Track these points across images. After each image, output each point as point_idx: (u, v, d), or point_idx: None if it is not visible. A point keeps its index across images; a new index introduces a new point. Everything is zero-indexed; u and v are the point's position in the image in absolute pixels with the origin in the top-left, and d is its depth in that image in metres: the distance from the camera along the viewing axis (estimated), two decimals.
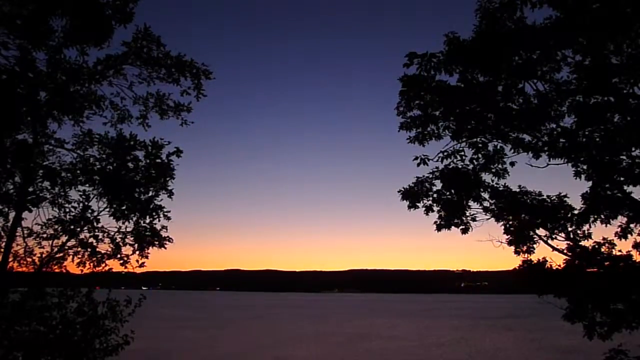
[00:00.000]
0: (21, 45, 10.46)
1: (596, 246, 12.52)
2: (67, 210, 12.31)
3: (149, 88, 12.48)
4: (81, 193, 12.20)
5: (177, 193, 12.44)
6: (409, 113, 12.58)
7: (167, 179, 12.25)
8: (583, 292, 12.29)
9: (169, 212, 12.45)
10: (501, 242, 13.45)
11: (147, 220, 12.41)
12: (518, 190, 13.21)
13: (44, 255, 12.22)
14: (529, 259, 13.30)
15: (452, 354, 51.92)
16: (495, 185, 13.16)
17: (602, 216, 12.38)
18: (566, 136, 11.61)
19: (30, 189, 11.55)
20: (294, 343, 60.43)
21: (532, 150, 12.06)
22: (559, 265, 12.85)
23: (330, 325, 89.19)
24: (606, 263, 12.30)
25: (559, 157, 11.63)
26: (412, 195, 13.38)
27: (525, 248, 13.32)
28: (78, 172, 12.02)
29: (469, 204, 13.32)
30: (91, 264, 12.43)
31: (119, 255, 12.50)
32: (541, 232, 13.08)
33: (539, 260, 13.19)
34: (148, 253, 12.64)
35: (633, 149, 11.15)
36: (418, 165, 12.60)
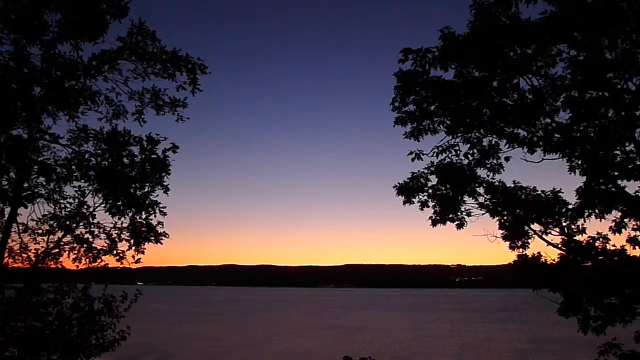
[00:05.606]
0: (15, 40, 10.42)
1: (590, 241, 12.57)
2: (63, 206, 12.30)
3: (145, 83, 12.46)
4: (76, 189, 12.20)
5: (173, 188, 12.43)
6: (404, 108, 12.58)
7: (163, 174, 12.23)
8: (577, 287, 12.35)
9: (165, 207, 12.46)
10: (496, 237, 13.47)
11: (143, 216, 12.40)
12: (513, 185, 13.25)
13: (39, 251, 12.20)
14: (523, 253, 13.33)
15: (445, 345, 52.41)
16: (490, 180, 13.19)
17: (597, 211, 12.42)
18: (561, 131, 11.65)
19: (26, 185, 11.53)
20: (293, 336, 60.71)
21: (527, 145, 12.08)
22: (554, 260, 12.89)
23: (327, 319, 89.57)
24: (600, 257, 12.35)
25: (554, 152, 11.65)
26: (408, 191, 13.38)
27: (520, 243, 13.36)
28: (73, 167, 11.98)
29: (464, 199, 13.34)
30: (87, 260, 12.41)
31: (114, 251, 12.48)
32: (536, 227, 13.12)
33: (533, 255, 13.23)
34: (144, 249, 12.64)
35: (627, 144, 11.19)
36: (413, 160, 12.60)
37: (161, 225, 12.64)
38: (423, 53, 11.30)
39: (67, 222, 12.21)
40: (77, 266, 12.44)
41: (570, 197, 12.71)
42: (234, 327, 74.11)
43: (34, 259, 12.15)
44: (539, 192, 13.03)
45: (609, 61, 10.78)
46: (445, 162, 12.93)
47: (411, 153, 12.58)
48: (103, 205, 12.15)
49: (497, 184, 13.24)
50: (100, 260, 12.50)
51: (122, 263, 12.60)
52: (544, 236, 12.98)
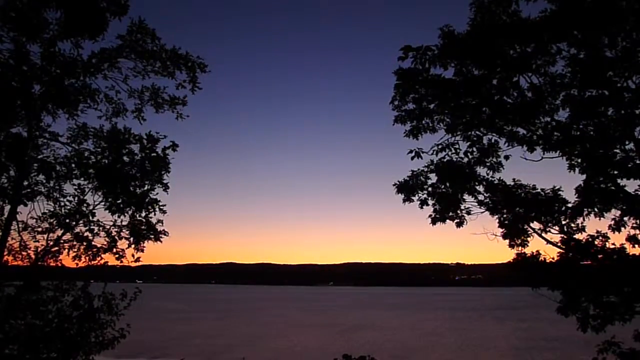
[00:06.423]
0: (15, 38, 10.40)
1: (590, 239, 12.58)
2: (62, 204, 12.31)
3: (144, 81, 12.44)
4: (76, 187, 12.20)
5: (172, 186, 12.44)
6: (404, 106, 12.58)
7: (163, 172, 12.24)
8: (576, 285, 12.36)
9: (165, 205, 12.45)
10: (495, 236, 13.47)
11: (143, 214, 12.40)
12: (512, 183, 13.24)
13: (39, 249, 12.19)
14: (523, 252, 13.34)
15: (445, 343, 52.48)
16: (490, 178, 13.19)
17: (596, 209, 12.41)
18: (560, 130, 11.65)
19: (25, 183, 11.52)
20: (292, 334, 60.76)
21: (526, 143, 12.08)
22: (553, 258, 12.91)
23: (328, 317, 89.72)
24: (600, 256, 12.36)
25: (554, 150, 11.65)
26: (407, 189, 13.38)
27: (519, 241, 13.35)
28: (73, 165, 12.00)
29: (464, 197, 13.34)
30: (86, 258, 12.42)
31: (114, 249, 12.48)
32: (535, 225, 13.11)
33: (532, 253, 13.25)
34: (143, 247, 12.64)
35: (627, 143, 11.19)
36: (412, 158, 12.60)
37: (161, 224, 12.66)
38: (423, 51, 11.31)
39: (67, 220, 12.21)
40: (77, 264, 12.45)
41: (570, 196, 12.72)
42: (233, 325, 74.17)
43: (33, 257, 12.15)
44: (539, 190, 13.02)
45: (609, 59, 10.78)
46: (445, 160, 12.94)
47: (411, 151, 12.58)
48: (103, 203, 12.16)
49: (496, 182, 13.24)
50: (99, 258, 12.51)
51: (121, 261, 12.61)
52: (543, 234, 12.98)
